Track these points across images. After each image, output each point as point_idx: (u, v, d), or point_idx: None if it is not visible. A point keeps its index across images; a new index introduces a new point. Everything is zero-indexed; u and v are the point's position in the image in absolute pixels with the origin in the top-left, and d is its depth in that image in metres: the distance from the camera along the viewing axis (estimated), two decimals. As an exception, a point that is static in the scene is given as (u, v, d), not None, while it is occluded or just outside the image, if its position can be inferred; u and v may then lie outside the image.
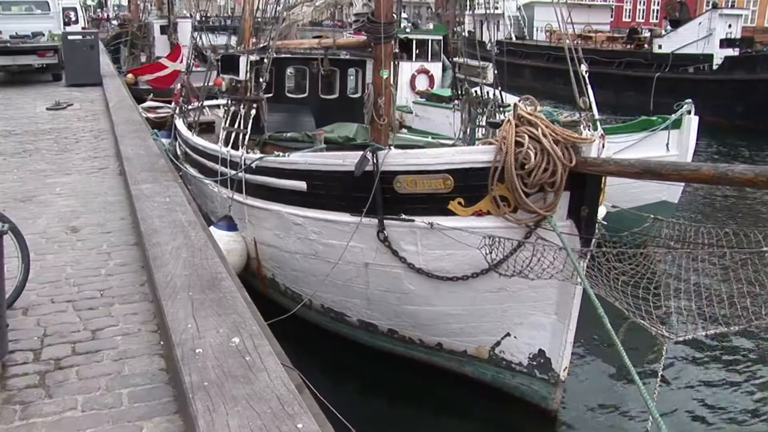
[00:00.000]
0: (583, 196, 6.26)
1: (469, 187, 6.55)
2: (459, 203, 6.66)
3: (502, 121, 6.68)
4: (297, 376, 4.16)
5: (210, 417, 3.40)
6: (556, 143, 5.97)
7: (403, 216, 6.96)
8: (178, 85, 16.40)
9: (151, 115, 16.64)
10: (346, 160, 7.17)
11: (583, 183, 6.20)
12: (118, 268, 6.14)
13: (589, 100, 7.67)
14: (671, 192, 12.33)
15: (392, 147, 6.95)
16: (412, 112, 18.51)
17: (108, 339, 4.79)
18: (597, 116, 8.26)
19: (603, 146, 6.28)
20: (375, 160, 6.82)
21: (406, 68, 18.13)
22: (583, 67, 7.85)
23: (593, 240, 6.29)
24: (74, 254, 6.50)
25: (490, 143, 6.45)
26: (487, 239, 6.46)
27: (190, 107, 14.42)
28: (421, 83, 19.86)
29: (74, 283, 5.80)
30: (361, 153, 6.97)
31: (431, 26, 28.61)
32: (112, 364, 4.45)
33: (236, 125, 9.53)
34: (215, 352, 4.03)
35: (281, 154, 8.23)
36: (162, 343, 4.69)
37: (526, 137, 6.01)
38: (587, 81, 7.77)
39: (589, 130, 6.71)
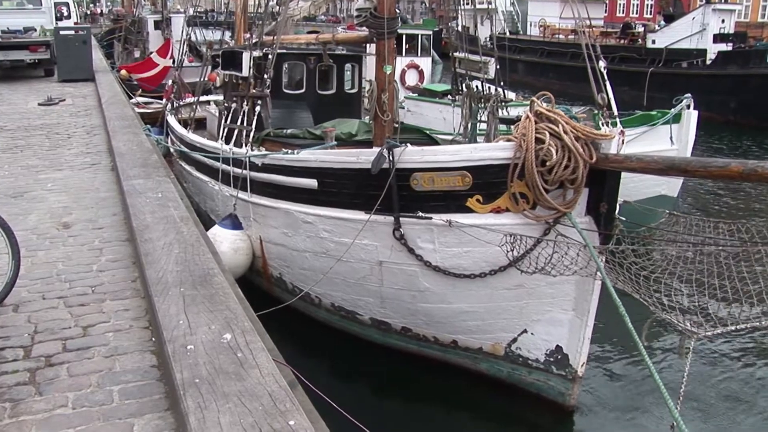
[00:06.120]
0: (602, 192, 6.25)
1: (488, 184, 6.52)
2: (477, 200, 6.62)
3: (517, 117, 6.62)
4: (290, 372, 4.15)
5: (201, 414, 3.38)
6: (577, 140, 5.96)
7: (420, 213, 6.93)
8: (170, 81, 16.31)
9: (141, 110, 16.54)
10: (361, 158, 7.12)
11: (602, 179, 6.19)
12: (109, 264, 6.11)
13: (608, 96, 7.59)
14: (670, 186, 12.36)
15: (408, 144, 6.90)
16: (403, 108, 18.48)
17: (99, 336, 4.76)
18: (616, 112, 8.17)
19: (623, 142, 6.26)
20: (391, 157, 6.79)
21: (396, 63, 18.09)
22: (602, 63, 7.76)
23: (613, 236, 6.28)
24: (66, 250, 6.46)
25: (509, 140, 6.41)
26: (509, 237, 6.45)
27: (182, 103, 14.36)
28: (411, 78, 19.84)
29: (65, 279, 5.77)
30: (375, 150, 6.94)
31: (421, 21, 28.57)
32: (103, 361, 4.42)
33: (238, 122, 9.47)
34: (207, 349, 4.01)
35: (289, 151, 8.16)
36: (153, 339, 4.66)
37: (547, 134, 5.99)
38: (606, 77, 7.67)
39: (608, 126, 6.69)
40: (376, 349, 8.31)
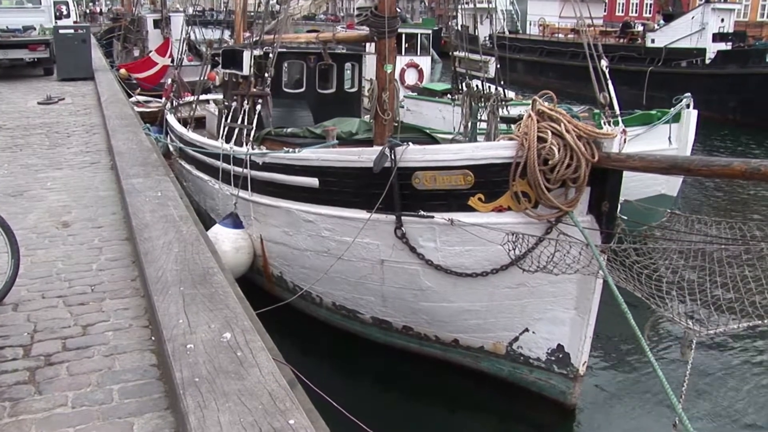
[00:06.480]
0: (604, 191, 6.27)
1: (490, 182, 6.52)
2: (479, 199, 6.63)
3: (519, 116, 6.60)
4: (289, 371, 4.15)
5: (201, 413, 3.37)
6: (579, 138, 5.97)
7: (422, 212, 6.93)
8: (169, 80, 16.28)
9: (141, 109, 16.52)
10: (362, 156, 7.13)
11: (604, 178, 6.20)
12: (109, 263, 6.11)
13: (610, 96, 7.58)
14: (670, 185, 12.36)
15: (409, 143, 6.91)
16: (403, 107, 18.47)
17: (99, 335, 4.75)
18: (618, 111, 8.16)
19: (625, 141, 6.27)
20: (393, 156, 6.78)
21: (396, 62, 18.08)
22: (604, 63, 7.75)
23: (615, 235, 6.29)
24: (65, 249, 6.45)
25: (512, 138, 6.42)
26: (511, 235, 6.46)
27: (182, 102, 14.34)
28: (411, 77, 19.85)
29: (65, 278, 5.76)
30: (377, 149, 6.95)
31: (420, 20, 28.57)
32: (102, 360, 4.41)
33: (239, 121, 9.46)
34: (206, 348, 4.00)
35: (290, 150, 8.16)
36: (153, 338, 4.66)
37: (549, 133, 5.99)
38: (608, 77, 7.66)
39: (610, 125, 6.70)
40: (377, 347, 8.31)
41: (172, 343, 4.07)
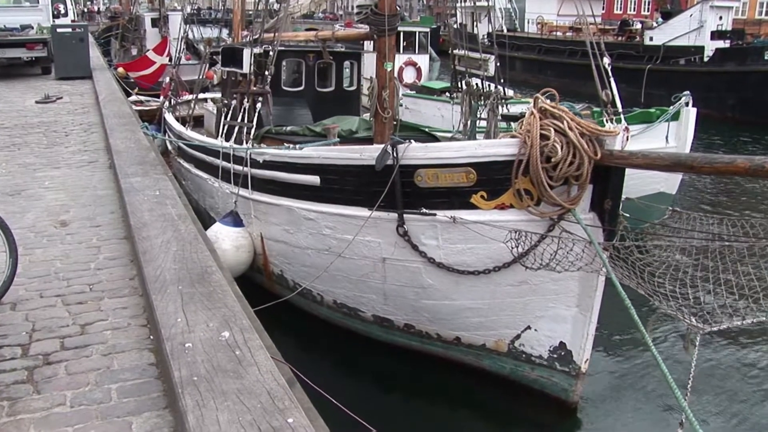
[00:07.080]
0: (606, 188, 6.27)
1: (492, 180, 6.53)
2: (481, 197, 6.64)
3: (521, 114, 6.61)
4: (288, 370, 4.13)
5: (200, 412, 3.36)
6: (582, 136, 5.96)
7: (424, 210, 6.93)
8: (167, 79, 16.27)
9: (139, 108, 16.50)
10: (364, 154, 7.14)
11: (606, 176, 6.21)
12: (107, 262, 6.09)
13: (612, 93, 7.62)
14: (669, 183, 12.36)
15: (411, 140, 6.91)
16: (402, 105, 18.46)
17: (97, 334, 4.73)
18: (621, 109, 8.17)
19: (627, 139, 6.27)
20: (395, 154, 6.78)
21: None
22: (606, 60, 7.78)
23: (617, 232, 6.29)
24: (63, 248, 6.43)
25: (514, 136, 6.42)
26: (513, 233, 6.46)
27: (180, 101, 14.33)
28: (409, 76, 19.86)
29: (63, 277, 5.74)
30: (379, 146, 6.96)
31: (419, 19, 28.61)
32: (101, 359, 4.39)
33: (238, 119, 9.45)
34: (205, 347, 3.99)
35: (291, 147, 8.16)
36: (151, 337, 4.65)
37: (552, 130, 5.99)
38: (610, 74, 7.70)
39: (612, 123, 6.72)
40: (378, 346, 8.31)
41: (170, 342, 4.06)
